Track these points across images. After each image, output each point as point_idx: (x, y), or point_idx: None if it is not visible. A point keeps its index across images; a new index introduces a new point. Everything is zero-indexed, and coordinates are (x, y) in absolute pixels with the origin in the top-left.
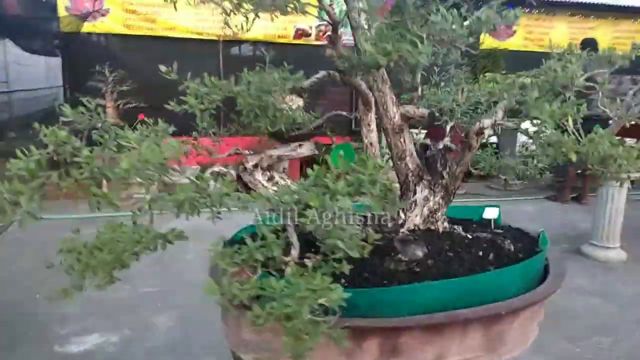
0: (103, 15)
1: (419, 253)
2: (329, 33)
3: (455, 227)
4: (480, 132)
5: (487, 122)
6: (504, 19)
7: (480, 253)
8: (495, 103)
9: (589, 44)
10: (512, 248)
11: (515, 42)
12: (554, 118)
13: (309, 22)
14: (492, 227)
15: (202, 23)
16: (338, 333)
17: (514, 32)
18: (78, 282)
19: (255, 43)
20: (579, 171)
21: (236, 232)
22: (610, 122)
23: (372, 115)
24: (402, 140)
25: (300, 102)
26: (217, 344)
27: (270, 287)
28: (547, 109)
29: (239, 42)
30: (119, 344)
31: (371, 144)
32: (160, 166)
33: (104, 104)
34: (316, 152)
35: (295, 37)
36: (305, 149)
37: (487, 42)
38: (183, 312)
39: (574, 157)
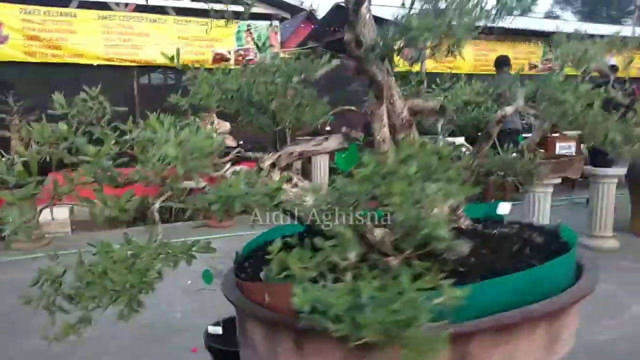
0: (1, 42)
1: (465, 250)
2: (276, 45)
3: (475, 224)
4: (500, 121)
5: (509, 109)
6: None
7: (515, 248)
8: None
9: (504, 61)
10: (541, 242)
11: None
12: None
13: (228, 46)
14: (504, 223)
15: (113, 49)
16: (442, 339)
17: None
18: (87, 315)
19: (171, 69)
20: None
21: (248, 245)
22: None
23: (384, 109)
24: (411, 136)
25: (227, 126)
26: None
27: (370, 293)
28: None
29: (155, 68)
30: None
31: (384, 140)
32: (208, 156)
33: (9, 135)
34: (345, 145)
35: (213, 62)
36: (333, 143)
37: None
38: None
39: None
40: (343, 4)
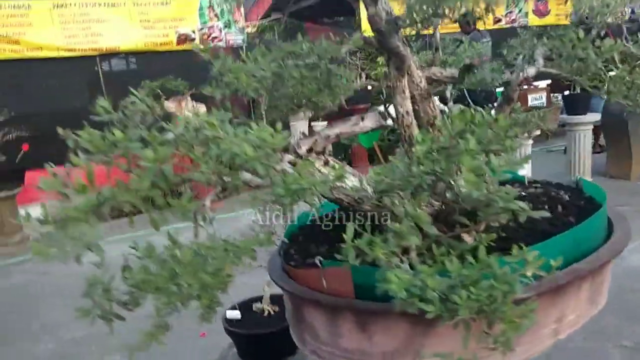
0: None
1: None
2: (240, 19)
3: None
4: (522, 83)
5: (531, 70)
6: None
7: (547, 207)
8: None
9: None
10: (569, 199)
11: None
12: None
13: (191, 25)
14: (527, 182)
15: (72, 39)
16: (532, 307)
17: None
18: (162, 322)
19: (135, 54)
20: None
21: (287, 231)
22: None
23: (406, 82)
24: (430, 105)
25: (203, 108)
26: None
27: (459, 271)
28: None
29: (118, 54)
30: None
31: (407, 112)
32: (274, 153)
33: None
34: (383, 122)
35: (178, 43)
36: (370, 122)
37: None
38: None
39: None
40: None
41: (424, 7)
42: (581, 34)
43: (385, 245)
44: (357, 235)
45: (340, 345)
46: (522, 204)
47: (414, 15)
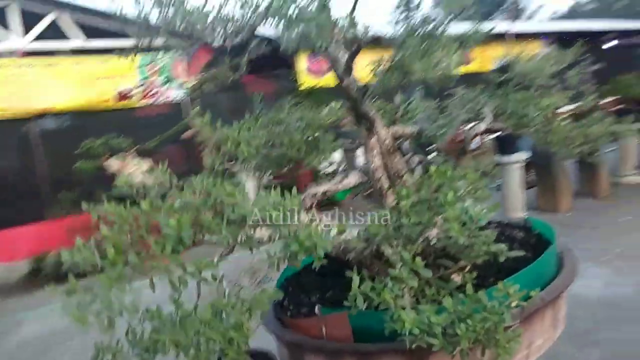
0: None
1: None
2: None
3: None
4: (475, 137)
5: (482, 126)
6: None
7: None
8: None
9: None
10: (522, 236)
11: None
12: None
13: (131, 82)
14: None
15: (6, 101)
16: (518, 334)
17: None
18: None
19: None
20: None
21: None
22: None
23: (375, 140)
24: (396, 159)
25: (145, 166)
26: None
27: (455, 307)
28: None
29: (56, 115)
30: None
31: (377, 167)
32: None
33: None
34: (364, 178)
35: (119, 99)
36: (353, 179)
37: None
38: None
39: None
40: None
41: (393, 79)
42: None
43: (390, 290)
44: (346, 284)
45: None
46: (501, 245)
47: (383, 85)
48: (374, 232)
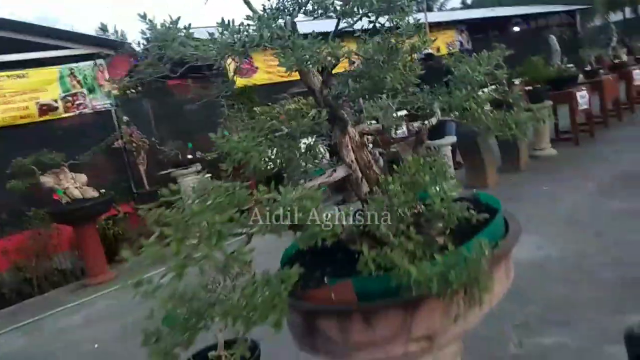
0: None
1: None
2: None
3: None
4: (429, 129)
5: (433, 120)
6: None
7: None
8: None
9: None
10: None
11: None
12: None
13: (53, 95)
14: None
15: None
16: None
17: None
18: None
19: None
20: None
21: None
22: None
23: (347, 138)
24: (365, 153)
25: (83, 178)
26: None
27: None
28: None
29: None
30: None
31: (352, 160)
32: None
33: None
34: (350, 171)
35: (40, 114)
36: (341, 172)
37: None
38: None
39: None
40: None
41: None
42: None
43: (396, 254)
44: (340, 260)
45: (351, 340)
46: (472, 211)
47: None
48: (372, 213)
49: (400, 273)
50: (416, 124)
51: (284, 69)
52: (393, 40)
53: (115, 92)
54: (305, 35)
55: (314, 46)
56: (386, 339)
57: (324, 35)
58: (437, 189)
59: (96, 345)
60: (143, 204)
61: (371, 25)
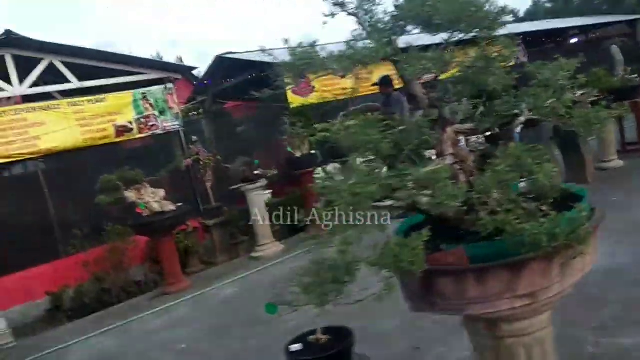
0: None
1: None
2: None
3: None
4: (519, 125)
5: (522, 119)
6: None
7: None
8: None
9: (390, 81)
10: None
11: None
12: None
13: (128, 117)
14: None
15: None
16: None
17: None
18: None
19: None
20: None
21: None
22: None
23: (446, 135)
24: (459, 148)
25: (162, 192)
26: None
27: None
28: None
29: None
30: None
31: (452, 154)
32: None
33: None
34: (455, 160)
35: (117, 135)
36: (449, 160)
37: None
38: None
39: None
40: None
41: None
42: None
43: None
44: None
45: (465, 296)
46: (570, 185)
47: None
48: (481, 190)
49: (514, 230)
50: (473, 139)
51: (339, 88)
52: (492, 49)
53: (181, 114)
54: (404, 49)
55: (432, 58)
56: (495, 295)
57: (425, 48)
58: (540, 168)
59: (184, 346)
60: (210, 219)
61: (465, 37)
